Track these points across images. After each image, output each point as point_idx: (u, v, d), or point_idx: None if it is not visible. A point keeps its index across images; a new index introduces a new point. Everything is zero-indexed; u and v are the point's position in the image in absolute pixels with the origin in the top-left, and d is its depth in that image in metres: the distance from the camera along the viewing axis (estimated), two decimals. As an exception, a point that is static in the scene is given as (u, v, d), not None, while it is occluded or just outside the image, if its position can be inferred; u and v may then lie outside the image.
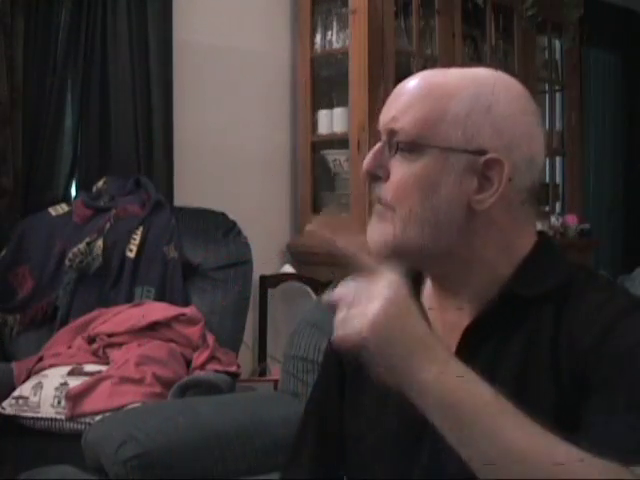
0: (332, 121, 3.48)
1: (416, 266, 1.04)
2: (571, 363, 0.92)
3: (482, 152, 0.97)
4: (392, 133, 0.99)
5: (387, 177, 0.99)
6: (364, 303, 0.82)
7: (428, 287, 1.08)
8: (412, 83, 1.02)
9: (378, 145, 1.01)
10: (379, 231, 1.00)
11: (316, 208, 3.55)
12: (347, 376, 1.12)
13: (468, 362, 0.97)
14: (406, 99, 1.00)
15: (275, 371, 3.03)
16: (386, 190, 0.99)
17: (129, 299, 2.61)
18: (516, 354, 0.96)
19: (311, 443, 1.16)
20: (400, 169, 0.98)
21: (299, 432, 1.19)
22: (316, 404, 1.18)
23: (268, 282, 3.32)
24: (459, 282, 1.01)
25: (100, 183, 2.89)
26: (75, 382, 2.21)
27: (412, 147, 0.98)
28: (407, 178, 0.98)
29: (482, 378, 0.92)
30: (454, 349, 1.00)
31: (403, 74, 3.71)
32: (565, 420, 0.89)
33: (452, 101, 0.98)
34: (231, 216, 2.85)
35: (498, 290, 0.99)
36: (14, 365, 2.40)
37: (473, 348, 0.99)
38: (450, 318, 1.03)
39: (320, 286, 2.99)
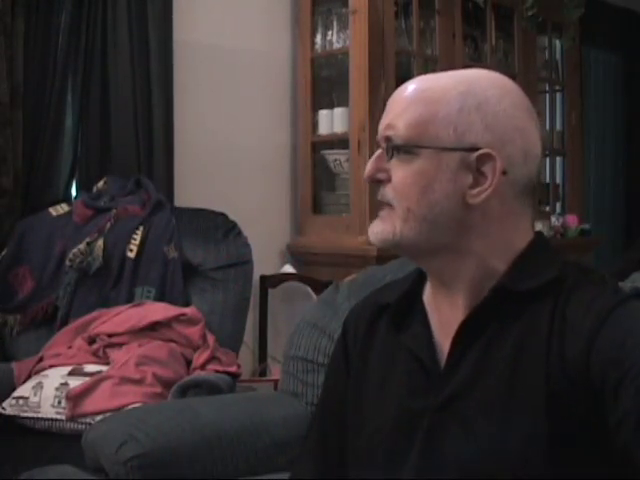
0: (332, 121, 3.47)
1: (414, 260, 1.10)
2: (564, 360, 0.95)
3: (474, 148, 1.02)
4: (388, 139, 1.06)
5: (389, 180, 1.05)
6: None
7: (428, 287, 1.11)
8: (404, 91, 1.08)
9: (378, 152, 1.07)
10: (380, 229, 1.06)
11: (316, 208, 3.55)
12: (352, 369, 1.16)
13: (461, 356, 1.01)
14: (399, 107, 1.06)
15: (275, 371, 3.03)
16: (387, 191, 1.05)
17: (129, 299, 2.61)
18: (509, 348, 0.99)
19: (316, 437, 1.21)
20: (398, 171, 1.04)
21: (309, 427, 1.24)
22: (323, 400, 1.23)
23: (268, 282, 3.32)
24: (454, 276, 1.05)
25: (100, 183, 2.89)
26: (75, 382, 2.21)
27: (407, 149, 1.03)
28: (405, 178, 1.04)
29: (473, 371, 0.99)
30: (449, 344, 1.03)
31: (403, 74, 3.72)
32: (556, 413, 0.93)
33: (441, 102, 1.03)
34: (231, 216, 2.85)
35: (492, 285, 1.02)
36: (14, 365, 2.40)
37: (467, 342, 1.02)
38: (445, 314, 1.06)
39: (320, 286, 2.99)
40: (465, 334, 1.02)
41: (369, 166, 1.07)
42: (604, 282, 1.03)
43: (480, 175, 1.02)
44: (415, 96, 1.05)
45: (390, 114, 1.07)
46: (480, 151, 1.01)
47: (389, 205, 1.05)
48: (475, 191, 1.02)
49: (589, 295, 0.99)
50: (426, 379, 1.04)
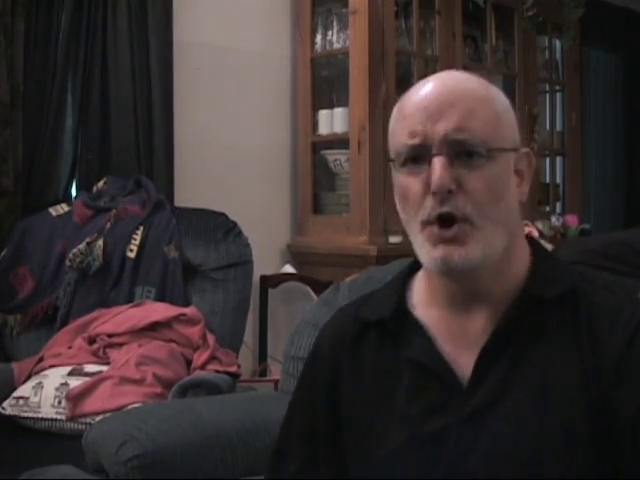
0: (332, 121, 3.48)
1: (467, 279, 1.00)
2: (599, 370, 0.95)
3: (519, 148, 1.02)
4: (458, 143, 0.96)
5: (459, 189, 0.95)
6: None
7: (426, 299, 1.07)
8: (455, 89, 0.99)
9: (441, 159, 0.95)
10: (464, 253, 0.96)
11: (316, 208, 3.55)
12: (341, 389, 1.10)
13: (488, 368, 0.98)
14: (465, 106, 0.97)
15: (275, 371, 3.03)
16: (462, 202, 0.95)
17: (129, 299, 2.60)
18: (537, 361, 0.97)
19: (298, 445, 1.13)
20: (475, 177, 0.96)
21: (283, 433, 1.16)
22: (303, 406, 1.15)
23: (268, 282, 3.32)
24: (492, 288, 1.01)
25: (100, 183, 2.89)
26: (75, 382, 2.21)
27: (488, 154, 0.96)
28: (484, 185, 0.96)
29: (500, 384, 0.96)
30: (475, 357, 0.99)
31: (403, 74, 3.71)
32: (596, 423, 0.93)
33: (496, 103, 1.01)
34: (231, 216, 2.84)
35: (516, 294, 1.00)
36: (14, 365, 2.40)
37: (495, 354, 0.99)
38: (456, 326, 1.03)
39: (320, 286, 2.99)
40: (494, 345, 0.98)
41: (441, 174, 0.94)
42: (612, 288, 1.02)
43: (517, 174, 1.02)
44: (477, 95, 0.99)
45: (453, 115, 0.96)
46: (523, 150, 1.03)
47: (461, 220, 0.95)
48: (521, 189, 1.02)
49: (609, 306, 0.98)
50: (442, 394, 1.00)
